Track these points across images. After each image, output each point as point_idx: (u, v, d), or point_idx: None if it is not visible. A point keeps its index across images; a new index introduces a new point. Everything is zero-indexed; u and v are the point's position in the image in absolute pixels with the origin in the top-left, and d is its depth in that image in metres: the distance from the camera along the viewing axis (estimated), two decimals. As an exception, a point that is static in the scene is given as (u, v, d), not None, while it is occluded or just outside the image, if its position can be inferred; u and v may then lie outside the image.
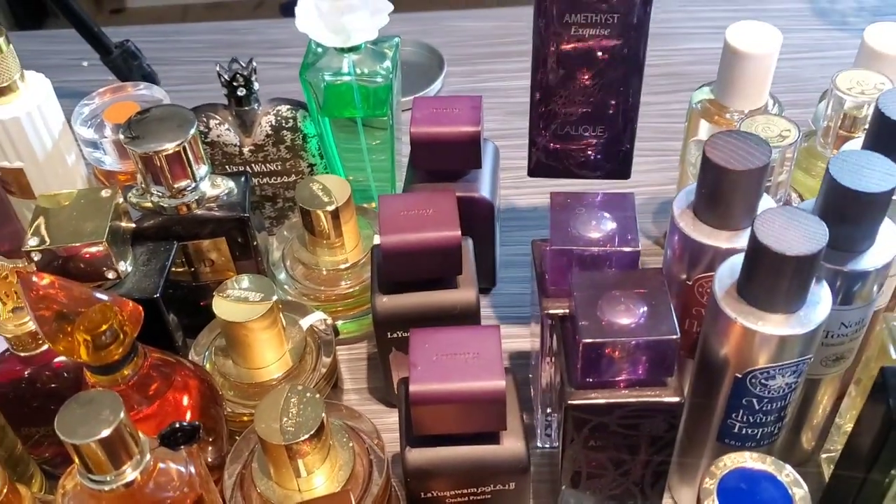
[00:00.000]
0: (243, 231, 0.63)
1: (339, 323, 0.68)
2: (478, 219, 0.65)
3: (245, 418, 0.60)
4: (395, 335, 0.59)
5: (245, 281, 0.58)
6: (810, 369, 0.50)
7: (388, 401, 0.66)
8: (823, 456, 0.61)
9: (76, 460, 0.43)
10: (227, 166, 0.70)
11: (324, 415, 0.49)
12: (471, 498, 0.52)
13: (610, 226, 0.52)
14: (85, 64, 0.93)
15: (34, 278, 0.45)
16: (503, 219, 0.73)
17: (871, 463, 0.49)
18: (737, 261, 0.48)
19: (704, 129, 0.65)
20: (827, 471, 0.59)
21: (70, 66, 0.94)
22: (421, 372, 0.47)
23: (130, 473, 0.44)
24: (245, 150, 0.70)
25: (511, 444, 0.50)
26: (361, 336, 0.70)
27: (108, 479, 0.44)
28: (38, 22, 1.88)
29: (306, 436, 0.48)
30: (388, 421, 0.62)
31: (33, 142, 0.64)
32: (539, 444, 0.61)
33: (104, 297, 0.47)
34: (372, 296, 0.58)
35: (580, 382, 0.48)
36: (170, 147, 0.58)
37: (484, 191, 0.65)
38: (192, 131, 0.59)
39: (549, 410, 0.59)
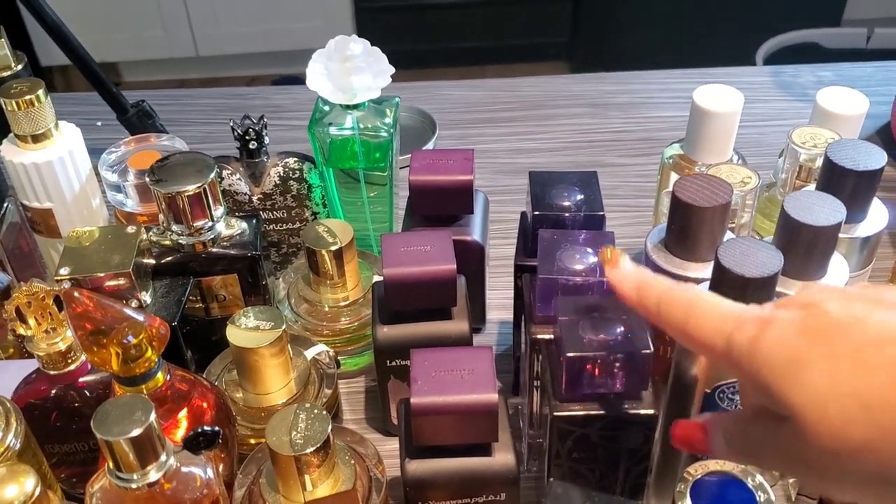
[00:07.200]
0: (254, 269, 0.68)
1: (340, 358, 0.73)
2: (469, 260, 0.70)
3: (252, 441, 0.64)
4: (394, 363, 0.64)
5: (256, 312, 0.63)
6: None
7: (385, 430, 0.70)
8: (790, 480, 0.65)
9: (107, 458, 0.47)
10: (236, 213, 0.76)
11: (330, 429, 0.54)
12: (464, 509, 0.56)
13: (592, 259, 0.57)
14: (99, 124, 1.00)
15: (76, 294, 0.49)
16: (491, 265, 0.78)
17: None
18: (705, 287, 0.53)
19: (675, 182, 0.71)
20: (793, 493, 0.64)
21: (84, 125, 1.00)
22: (421, 386, 0.52)
23: (154, 474, 0.48)
24: (254, 198, 0.76)
25: (502, 457, 0.55)
26: (359, 371, 0.75)
27: (135, 477, 0.48)
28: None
29: (313, 448, 0.53)
30: (385, 448, 0.66)
31: (63, 184, 0.69)
32: (525, 468, 0.66)
33: (136, 314, 0.52)
34: (373, 326, 0.63)
35: (564, 396, 0.53)
36: (191, 189, 0.64)
37: (475, 234, 0.70)
38: (212, 175, 0.64)
39: (530, 433, 0.64)
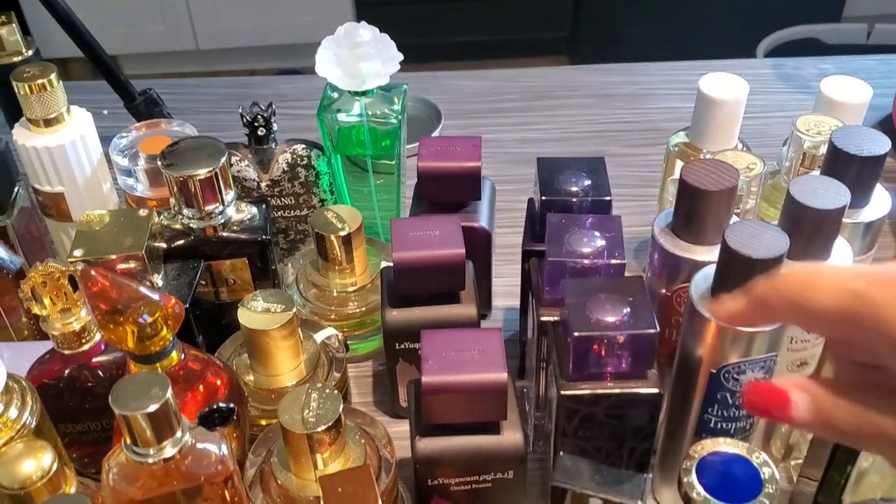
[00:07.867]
0: (263, 253, 0.69)
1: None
2: (477, 246, 0.71)
3: (262, 422, 0.65)
4: (402, 346, 0.65)
5: (267, 294, 0.64)
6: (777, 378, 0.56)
7: (393, 412, 0.71)
8: (792, 463, 0.66)
9: (124, 433, 0.48)
10: (245, 200, 0.77)
11: (341, 409, 0.54)
12: (473, 486, 0.57)
13: (599, 243, 0.58)
14: (105, 112, 1.00)
15: (92, 272, 0.50)
16: (496, 253, 0.79)
17: (829, 461, 0.56)
18: (710, 270, 0.54)
19: (680, 169, 0.72)
20: (794, 475, 0.65)
21: (92, 114, 1.01)
22: (432, 365, 0.53)
23: (170, 450, 0.49)
24: (262, 184, 0.76)
25: (510, 435, 0.56)
26: (367, 355, 0.76)
27: (151, 452, 0.49)
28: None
29: (325, 426, 0.54)
30: (393, 430, 0.67)
31: (74, 168, 0.70)
32: (532, 449, 0.67)
33: (151, 293, 0.52)
34: (382, 310, 0.64)
35: (571, 375, 0.54)
36: (203, 173, 0.64)
37: (483, 221, 0.71)
38: (223, 159, 0.65)
39: (536, 415, 0.65)
